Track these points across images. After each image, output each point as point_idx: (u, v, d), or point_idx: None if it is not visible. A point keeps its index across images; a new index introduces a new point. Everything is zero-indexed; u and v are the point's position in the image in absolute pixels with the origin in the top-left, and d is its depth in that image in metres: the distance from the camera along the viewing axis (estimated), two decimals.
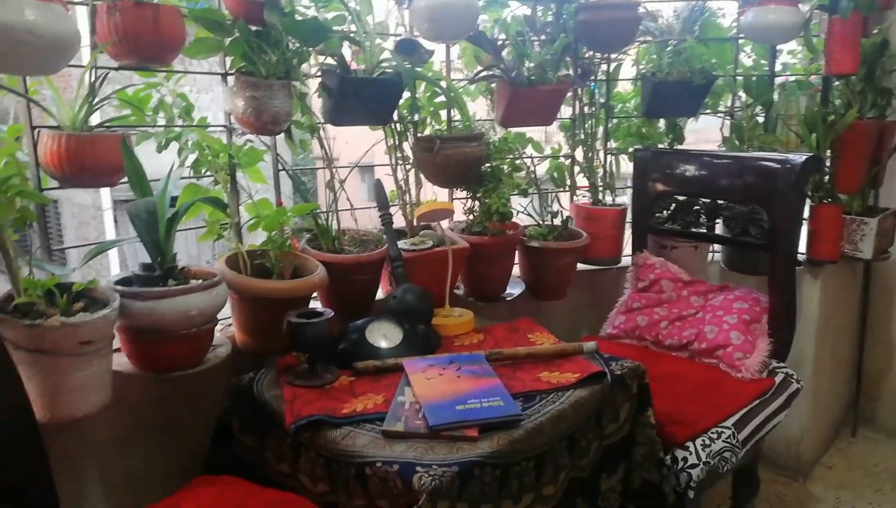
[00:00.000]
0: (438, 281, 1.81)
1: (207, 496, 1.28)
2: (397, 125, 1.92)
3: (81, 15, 1.49)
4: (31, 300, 1.22)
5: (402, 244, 1.82)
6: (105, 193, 6.03)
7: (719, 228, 2.03)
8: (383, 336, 1.58)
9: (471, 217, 2.02)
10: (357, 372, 1.49)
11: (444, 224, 1.98)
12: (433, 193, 2.11)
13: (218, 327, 1.71)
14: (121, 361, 1.43)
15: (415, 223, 1.92)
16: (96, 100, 1.40)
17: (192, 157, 1.63)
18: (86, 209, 7.02)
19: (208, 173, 1.63)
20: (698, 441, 1.53)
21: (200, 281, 1.47)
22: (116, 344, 1.44)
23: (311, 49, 1.68)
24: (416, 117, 1.95)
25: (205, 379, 1.48)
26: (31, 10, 1.10)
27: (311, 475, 1.30)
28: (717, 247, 2.41)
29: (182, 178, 1.66)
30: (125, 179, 1.40)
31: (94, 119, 1.43)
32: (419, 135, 1.96)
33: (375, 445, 1.22)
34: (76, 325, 1.19)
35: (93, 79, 1.40)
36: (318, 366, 1.48)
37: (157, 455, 1.60)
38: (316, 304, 1.82)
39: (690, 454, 1.52)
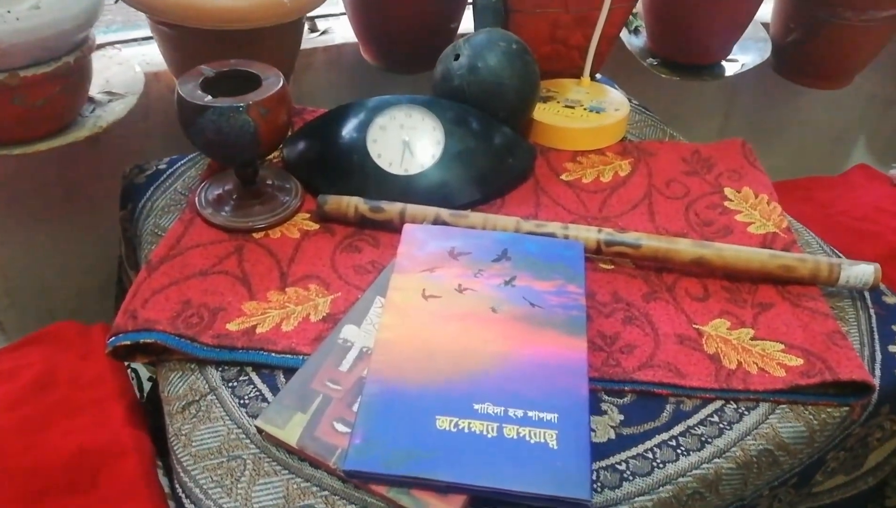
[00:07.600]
0: (574, 30, 0.88)
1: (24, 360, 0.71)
2: None
3: None
4: None
5: None
6: None
7: None
8: (404, 144, 0.75)
9: None
10: (320, 214, 0.72)
11: None
12: None
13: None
14: None
15: None
16: None
17: None
18: None
19: None
20: None
21: None
22: None
23: None
24: None
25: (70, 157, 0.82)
26: None
27: None
28: None
29: None
30: None
31: None
32: None
33: (228, 447, 0.52)
34: None
35: None
36: (258, 182, 0.74)
37: None
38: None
39: None
